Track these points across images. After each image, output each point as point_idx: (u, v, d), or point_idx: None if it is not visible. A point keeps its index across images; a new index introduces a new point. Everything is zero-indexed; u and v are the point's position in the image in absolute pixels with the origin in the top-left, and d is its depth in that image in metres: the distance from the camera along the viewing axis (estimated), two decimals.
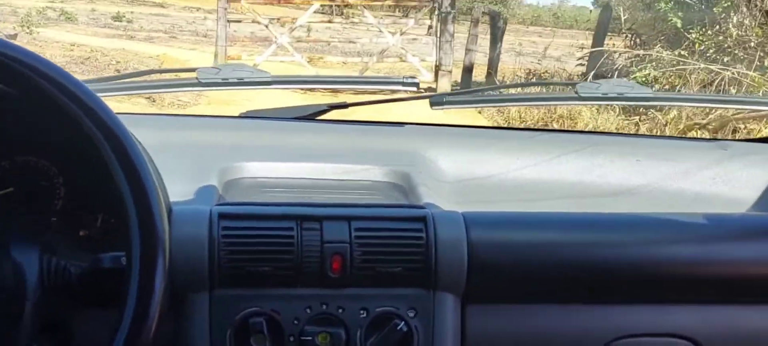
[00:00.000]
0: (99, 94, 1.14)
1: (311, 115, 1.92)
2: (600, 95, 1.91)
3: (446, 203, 1.54)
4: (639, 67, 12.26)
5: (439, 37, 15.12)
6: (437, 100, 1.99)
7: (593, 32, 16.77)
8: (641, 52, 13.45)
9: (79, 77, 1.10)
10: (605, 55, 14.49)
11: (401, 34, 15.38)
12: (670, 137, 4.56)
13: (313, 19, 15.85)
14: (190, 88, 2.01)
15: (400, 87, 2.03)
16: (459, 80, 15.07)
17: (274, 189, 1.66)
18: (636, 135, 3.83)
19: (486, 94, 3.99)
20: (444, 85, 14.45)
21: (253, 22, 15.22)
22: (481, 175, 1.78)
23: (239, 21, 15.77)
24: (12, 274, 1.19)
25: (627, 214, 1.59)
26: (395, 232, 1.40)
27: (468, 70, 16.15)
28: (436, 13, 15.23)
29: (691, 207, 1.71)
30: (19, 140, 1.38)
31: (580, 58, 16.42)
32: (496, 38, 17.16)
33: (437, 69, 14.98)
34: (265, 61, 14.76)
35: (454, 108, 2.08)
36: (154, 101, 9.96)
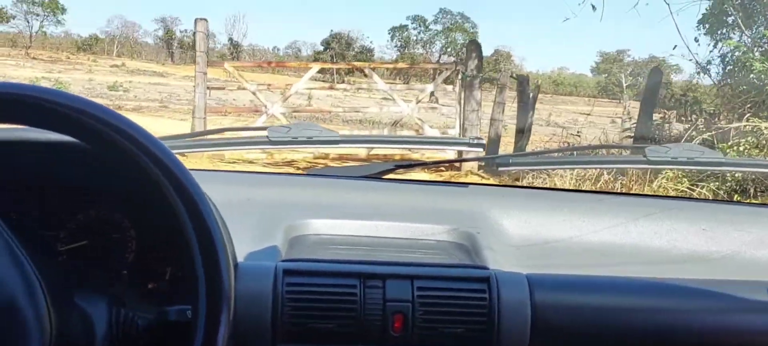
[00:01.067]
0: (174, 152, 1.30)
1: (377, 174, 1.92)
2: (669, 159, 1.90)
3: (510, 265, 1.53)
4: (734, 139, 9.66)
5: (464, 106, 12.22)
6: (503, 162, 2.04)
7: (641, 99, 13.93)
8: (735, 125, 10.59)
9: None
10: (655, 125, 13.44)
11: (417, 103, 12.41)
12: (742, 203, 3.84)
13: (312, 84, 12.88)
14: (261, 146, 2.03)
15: (466, 148, 2.12)
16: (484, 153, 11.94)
17: (338, 246, 1.62)
18: (706, 200, 3.72)
19: (551, 157, 3.70)
20: (470, 165, 12.15)
21: (239, 88, 12.27)
22: (546, 238, 1.73)
23: (222, 88, 12.83)
24: (81, 324, 1.18)
25: (695, 281, 1.54)
26: (458, 292, 1.40)
27: (494, 141, 13.65)
28: (460, 77, 12.29)
29: (764, 277, 1.60)
30: (94, 194, 1.39)
31: (626, 129, 13.72)
32: (526, 106, 14.54)
33: None
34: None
35: (519, 170, 2.34)
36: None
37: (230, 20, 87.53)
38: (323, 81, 59.82)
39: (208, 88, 12.04)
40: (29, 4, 67.10)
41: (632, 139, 13.60)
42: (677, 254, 1.72)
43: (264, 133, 1.92)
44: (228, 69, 12.21)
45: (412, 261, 1.49)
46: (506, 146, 15.06)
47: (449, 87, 12.85)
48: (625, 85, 75.89)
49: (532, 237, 1.72)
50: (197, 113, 11.76)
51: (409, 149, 9.88)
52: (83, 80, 42.64)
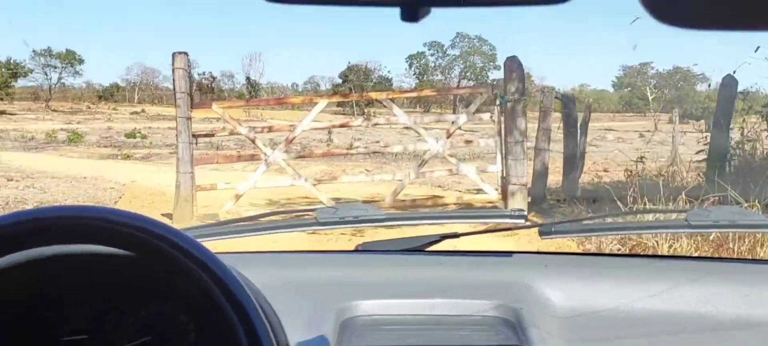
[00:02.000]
0: (221, 237, 1.69)
1: (422, 246, 1.93)
2: (711, 223, 1.87)
3: (557, 341, 1.53)
4: None
5: (505, 137, 9.80)
6: (546, 230, 1.99)
7: (714, 112, 11.44)
8: None
9: None
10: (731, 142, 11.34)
11: (448, 137, 9.98)
12: None
13: (317, 124, 10.46)
14: (309, 228, 2.07)
15: (507, 220, 2.16)
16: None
17: (388, 327, 1.62)
18: (747, 260, 3.52)
19: (594, 223, 2.73)
20: (517, 204, 9.73)
21: (232, 133, 9.92)
22: (593, 308, 1.69)
23: (210, 135, 10.48)
24: None
25: None
26: None
27: (541, 176, 11.38)
28: (498, 103, 9.88)
29: None
30: (154, 291, 1.38)
31: (701, 151, 11.34)
32: (573, 131, 12.12)
33: (505, 182, 9.64)
34: (253, 189, 9.55)
35: (562, 238, 2.47)
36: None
37: (247, 59, 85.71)
38: (343, 115, 57.85)
39: (194, 136, 9.68)
40: (47, 56, 65.89)
41: (706, 161, 11.12)
42: (726, 321, 1.65)
43: (312, 215, 1.96)
44: (216, 111, 9.87)
45: (459, 343, 1.53)
46: (555, 175, 12.60)
47: (486, 116, 10.41)
48: (650, 97, 73.31)
49: (577, 308, 1.68)
50: (182, 167, 9.39)
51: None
52: (102, 129, 41.48)
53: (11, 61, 60.26)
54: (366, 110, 59.22)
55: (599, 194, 10.71)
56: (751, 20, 0.60)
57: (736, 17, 0.61)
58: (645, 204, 8.36)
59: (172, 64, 9.41)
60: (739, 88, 11.28)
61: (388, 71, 71.03)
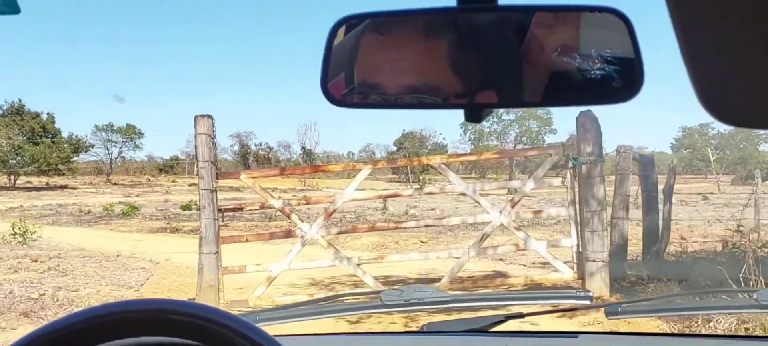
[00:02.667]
0: (288, 320, 1.80)
1: (486, 327, 1.90)
2: None
3: None
4: None
5: (580, 206, 8.23)
6: (612, 311, 1.97)
7: None
8: None
9: None
10: None
11: (513, 207, 8.43)
12: None
13: (360, 194, 8.98)
14: (374, 310, 2.10)
15: (572, 300, 2.12)
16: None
17: None
18: None
19: (660, 303, 2.83)
20: (597, 286, 8.15)
21: (263, 207, 8.53)
22: None
23: (238, 209, 9.10)
24: None
25: None
26: None
27: (620, 249, 10.00)
28: (571, 166, 8.34)
29: None
30: None
31: None
32: (654, 197, 10.58)
33: (581, 259, 8.05)
34: (288, 270, 8.15)
35: (630, 318, 2.21)
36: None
37: (303, 129, 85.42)
38: (398, 182, 56.50)
39: (220, 210, 8.30)
40: (108, 131, 66.37)
41: None
42: None
43: (377, 296, 1.97)
44: (245, 181, 8.50)
45: None
46: (635, 248, 10.91)
47: (556, 181, 8.84)
48: (712, 159, 70.54)
49: None
50: (205, 247, 8.00)
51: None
52: (159, 202, 40.96)
53: (73, 136, 60.74)
54: (421, 177, 58.18)
55: (689, 269, 9.12)
56: None
57: None
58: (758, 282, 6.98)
59: (195, 129, 8.09)
60: None
61: (443, 138, 69.94)
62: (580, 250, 8.38)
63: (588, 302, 2.04)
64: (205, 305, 1.11)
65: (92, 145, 63.83)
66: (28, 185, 54.68)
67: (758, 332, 7.49)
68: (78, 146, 61.01)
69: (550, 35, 0.84)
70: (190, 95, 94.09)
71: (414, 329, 2.25)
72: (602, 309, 2.07)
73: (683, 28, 0.56)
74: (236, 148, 74.80)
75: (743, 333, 7.33)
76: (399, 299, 1.94)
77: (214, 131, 8.22)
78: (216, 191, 8.22)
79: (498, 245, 9.37)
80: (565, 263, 8.40)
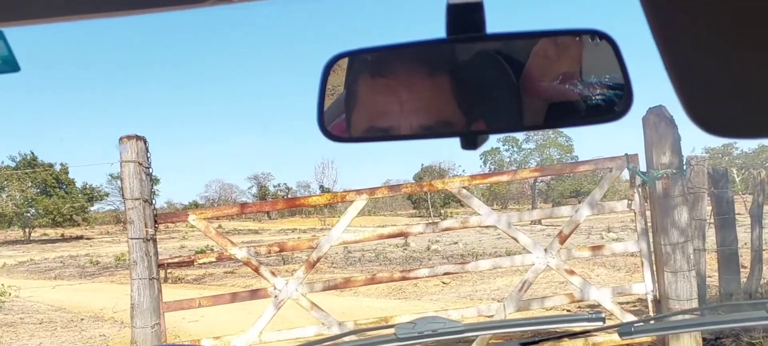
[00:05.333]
0: None
1: None
2: None
3: None
4: None
5: (655, 237, 5.82)
6: (625, 331, 1.98)
7: None
8: None
9: None
10: None
11: (562, 242, 6.01)
12: None
13: (348, 236, 6.50)
14: (388, 344, 2.02)
15: (586, 324, 2.07)
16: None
17: None
18: None
19: (673, 321, 3.08)
20: None
21: (220, 258, 6.17)
22: None
23: (187, 262, 6.76)
24: None
25: None
26: None
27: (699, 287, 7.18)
28: (639, 184, 5.93)
29: None
30: None
31: None
32: (731, 221, 8.39)
33: (659, 310, 5.63)
34: (259, 344, 5.80)
35: (644, 337, 2.37)
36: None
37: (320, 168, 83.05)
38: (419, 216, 53.97)
39: (160, 266, 5.94)
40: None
41: None
42: None
43: (391, 331, 1.93)
44: (195, 223, 6.10)
45: None
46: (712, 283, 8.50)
47: (619, 205, 6.39)
48: (737, 179, 68.04)
49: None
50: (139, 319, 5.62)
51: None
52: (175, 248, 39.31)
53: (87, 186, 58.88)
54: (443, 211, 55.64)
55: None
56: None
57: None
58: None
59: (120, 156, 5.75)
60: None
61: (463, 170, 66.95)
62: (658, 297, 5.94)
63: (600, 324, 1.98)
64: None
65: (107, 194, 61.85)
66: (44, 238, 52.96)
67: None
68: (92, 196, 59.13)
69: (541, 61, 0.84)
70: (207, 139, 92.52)
71: None
72: (616, 331, 2.00)
73: (665, 41, 0.54)
74: (254, 190, 72.81)
75: None
76: (413, 331, 1.89)
77: (148, 158, 5.88)
78: (154, 240, 5.86)
79: (545, 295, 6.91)
80: (639, 316, 5.93)
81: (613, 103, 0.83)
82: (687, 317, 4.80)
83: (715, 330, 6.97)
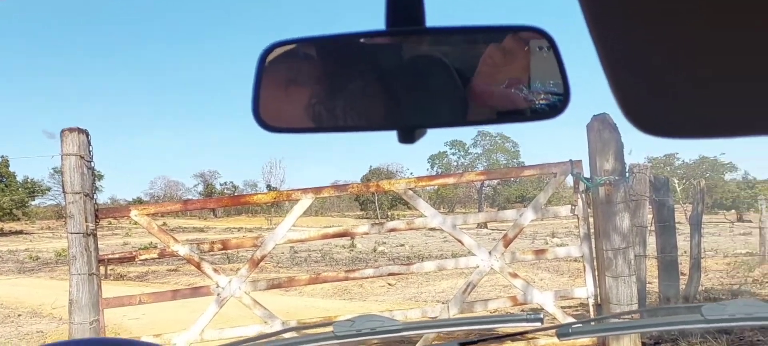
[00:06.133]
0: None
1: None
2: (727, 317, 1.82)
3: None
4: None
5: (597, 241, 5.92)
6: (564, 332, 1.99)
7: None
8: None
9: None
10: None
11: (506, 246, 6.08)
12: None
13: (294, 234, 6.46)
14: (326, 342, 1.98)
15: (524, 324, 2.08)
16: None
17: None
18: None
19: (611, 322, 3.23)
20: None
21: (162, 254, 6.08)
22: None
23: (128, 258, 6.65)
24: None
25: None
26: None
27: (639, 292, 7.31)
28: (582, 190, 6.05)
29: None
30: None
31: None
32: (670, 229, 8.82)
33: (601, 313, 5.80)
34: (200, 343, 5.71)
35: (582, 338, 2.45)
36: None
37: (268, 167, 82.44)
38: (366, 219, 53.97)
39: (101, 262, 5.83)
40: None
41: None
42: None
43: (329, 328, 1.91)
44: (137, 219, 6.01)
45: None
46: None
47: (562, 209, 6.48)
48: (678, 188, 69.66)
49: None
50: (78, 315, 5.51)
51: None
52: (117, 245, 38.66)
53: (28, 179, 57.43)
54: (390, 213, 55.71)
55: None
56: (731, 128, 0.57)
57: (720, 126, 0.58)
58: None
59: (61, 148, 5.63)
60: None
61: (411, 173, 67.14)
62: (600, 301, 6.04)
63: (539, 324, 2.01)
64: None
65: (49, 189, 60.40)
66: None
67: None
68: (33, 190, 57.71)
69: (488, 68, 0.84)
70: (153, 135, 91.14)
71: None
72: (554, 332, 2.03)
73: (601, 38, 0.54)
74: (201, 188, 71.98)
75: None
76: (351, 329, 1.88)
77: (90, 152, 5.76)
78: (94, 235, 5.75)
79: (489, 297, 6.97)
80: (581, 319, 6.02)
81: (550, 100, 0.83)
82: (625, 319, 4.71)
83: (654, 333, 7.04)
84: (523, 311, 8.73)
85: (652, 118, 0.57)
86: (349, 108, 0.85)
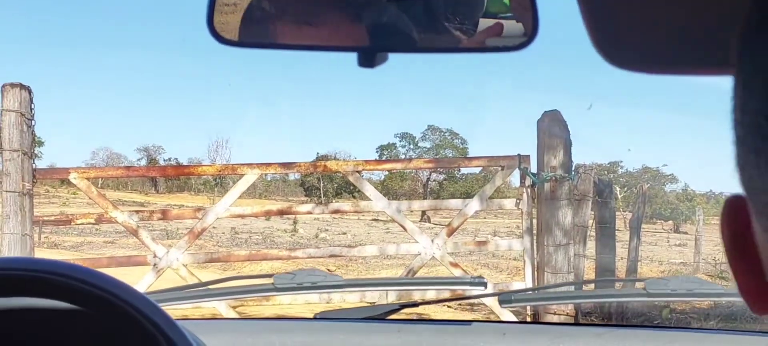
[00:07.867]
0: (177, 303, 1.73)
1: (382, 315, 1.89)
2: (669, 292, 1.86)
3: None
4: None
5: (540, 237, 6.02)
6: (506, 299, 2.05)
7: None
8: None
9: None
10: None
11: (449, 235, 6.14)
12: (740, 332, 2.59)
13: (238, 208, 6.41)
14: (266, 293, 2.13)
15: (468, 287, 2.12)
16: None
17: None
18: (705, 330, 3.18)
19: (551, 292, 3.44)
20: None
21: (100, 220, 6.01)
22: None
23: (64, 222, 6.56)
24: None
25: None
26: None
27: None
28: (528, 185, 6.14)
29: None
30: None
31: None
32: (611, 231, 8.94)
33: (537, 309, 5.92)
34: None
35: (523, 306, 2.52)
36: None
37: (213, 145, 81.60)
38: (309, 202, 53.83)
39: (35, 223, 5.71)
40: None
41: None
42: None
43: (269, 280, 1.93)
44: (76, 182, 5.90)
45: None
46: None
47: (507, 202, 6.57)
48: (619, 196, 71.26)
49: None
50: None
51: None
52: (54, 213, 37.71)
53: None
54: (335, 199, 55.57)
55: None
56: (699, 64, 0.56)
57: (687, 61, 0.56)
58: None
59: (0, 104, 5.47)
60: None
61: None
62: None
63: (483, 289, 2.01)
64: (81, 266, 0.98)
65: None
66: None
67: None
68: None
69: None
70: (97, 104, 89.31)
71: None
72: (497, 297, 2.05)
73: None
74: (144, 162, 70.89)
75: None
76: (292, 282, 1.89)
77: (32, 110, 5.62)
78: (30, 195, 5.62)
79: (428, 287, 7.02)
80: (516, 314, 6.13)
81: (517, 30, 0.80)
82: (565, 289, 5.15)
83: (592, 303, 7.16)
84: (460, 304, 8.83)
85: (621, 50, 0.57)
86: (309, 25, 0.81)
